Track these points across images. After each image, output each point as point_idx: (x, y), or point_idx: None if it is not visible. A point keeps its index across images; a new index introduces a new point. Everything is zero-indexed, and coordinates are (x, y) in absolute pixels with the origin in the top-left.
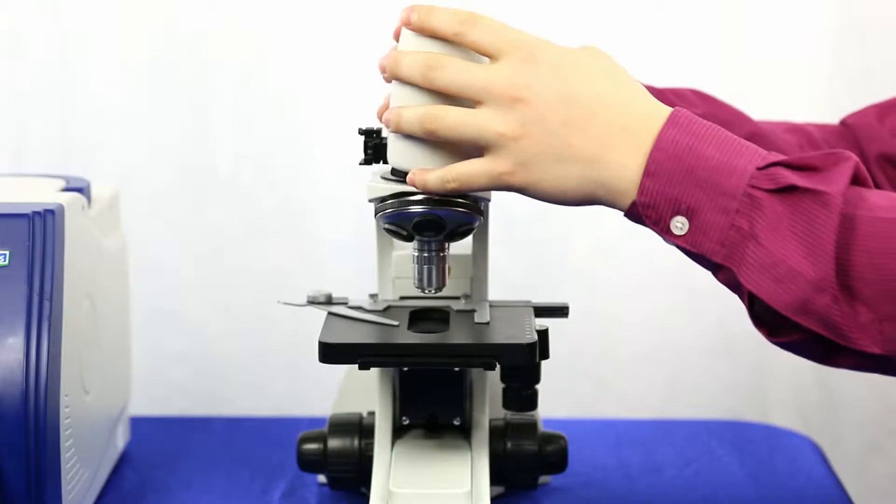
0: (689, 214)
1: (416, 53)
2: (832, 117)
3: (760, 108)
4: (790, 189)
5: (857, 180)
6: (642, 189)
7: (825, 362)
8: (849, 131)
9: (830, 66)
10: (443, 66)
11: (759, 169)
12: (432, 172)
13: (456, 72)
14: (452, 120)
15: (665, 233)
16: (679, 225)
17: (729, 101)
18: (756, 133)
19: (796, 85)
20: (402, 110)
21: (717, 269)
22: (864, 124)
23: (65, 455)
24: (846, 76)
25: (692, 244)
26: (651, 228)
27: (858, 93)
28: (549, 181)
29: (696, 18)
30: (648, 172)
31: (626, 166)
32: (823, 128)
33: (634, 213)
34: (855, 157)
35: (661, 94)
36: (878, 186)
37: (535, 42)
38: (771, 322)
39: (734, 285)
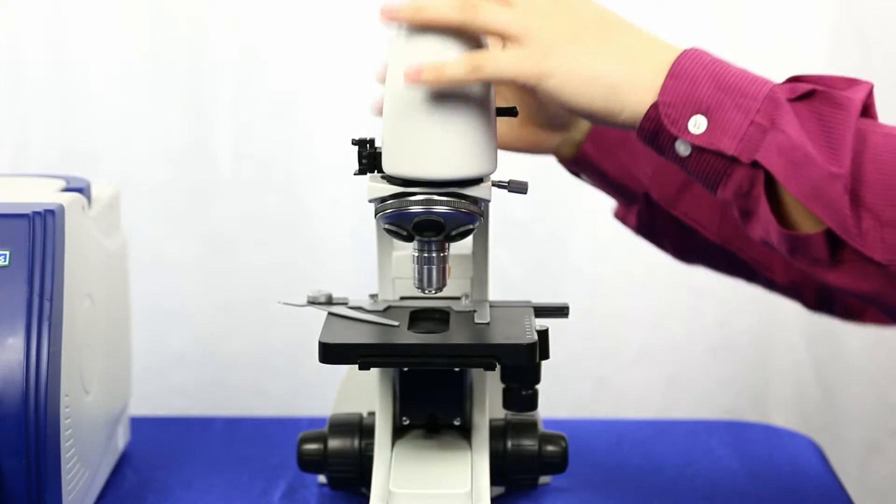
0: (708, 114)
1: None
2: None
3: None
4: (810, 94)
5: (867, 110)
6: (664, 89)
7: (829, 273)
8: None
9: (830, 66)
10: (475, 7)
11: (780, 84)
12: (451, 63)
13: (491, 10)
14: (503, 60)
15: (681, 132)
16: (697, 124)
17: None
18: None
19: None
20: (445, 63)
21: (727, 175)
22: None
23: (65, 455)
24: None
25: (709, 142)
26: (667, 130)
27: None
28: (580, 71)
29: (695, 18)
30: (673, 74)
31: (651, 70)
32: None
33: (652, 117)
34: (871, 83)
35: None
36: None
37: None
38: (783, 216)
39: (744, 193)
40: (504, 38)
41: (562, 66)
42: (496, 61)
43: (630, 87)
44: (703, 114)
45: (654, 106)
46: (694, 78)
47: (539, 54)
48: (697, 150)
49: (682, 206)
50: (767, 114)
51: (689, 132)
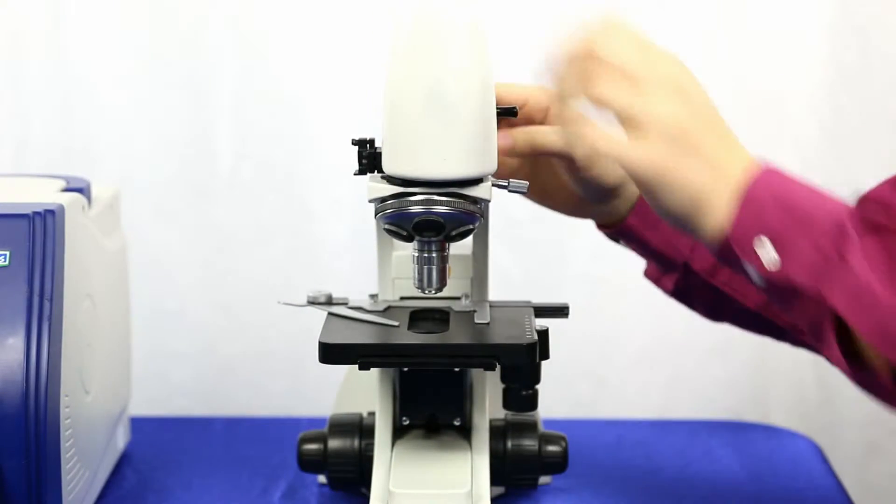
0: (778, 243)
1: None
2: (832, 117)
3: (760, 108)
4: (879, 228)
5: None
6: (737, 222)
7: (894, 405)
8: (885, 207)
9: (830, 66)
10: (594, 79)
11: (850, 210)
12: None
13: (612, 87)
14: (629, 151)
15: (752, 260)
16: (767, 251)
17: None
18: None
19: (796, 84)
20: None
21: (796, 305)
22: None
23: (65, 455)
24: (846, 76)
25: (782, 274)
26: (739, 258)
27: (858, 92)
28: (677, 179)
29: (695, 18)
30: (745, 202)
31: (727, 189)
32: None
33: (724, 247)
34: None
35: None
36: None
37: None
38: (852, 358)
39: (815, 325)
40: (621, 119)
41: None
42: (620, 149)
43: (708, 210)
44: (772, 241)
45: (726, 238)
46: (762, 207)
47: (664, 152)
48: (766, 280)
49: (723, 276)
50: (836, 245)
51: (758, 259)
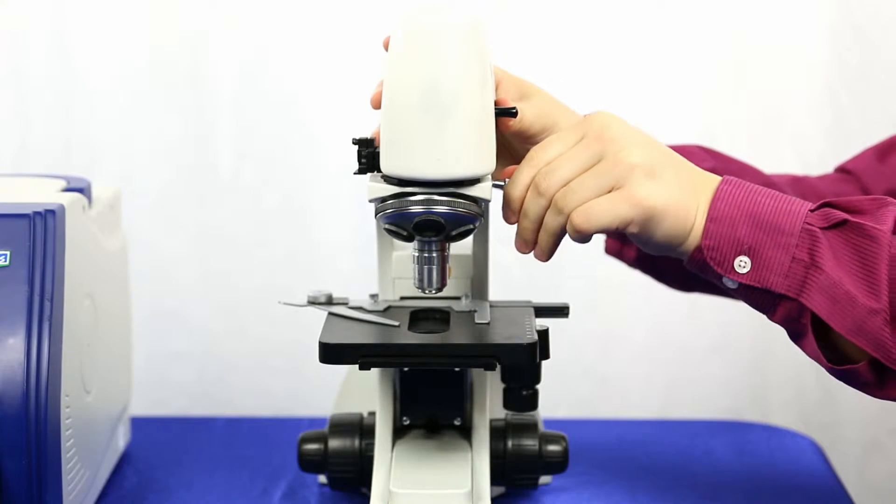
0: (750, 254)
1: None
2: (832, 117)
3: (760, 108)
4: (842, 223)
5: None
6: (706, 232)
7: (878, 392)
8: (851, 176)
9: (830, 66)
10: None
11: (812, 211)
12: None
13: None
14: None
15: (728, 272)
16: (742, 264)
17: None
18: (766, 184)
19: (796, 84)
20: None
21: (775, 306)
22: (866, 167)
23: (66, 455)
24: (846, 76)
25: (756, 280)
26: (714, 270)
27: (858, 93)
28: (660, 209)
29: (696, 19)
30: (711, 218)
31: (696, 212)
32: (824, 178)
33: (697, 258)
34: None
35: None
36: None
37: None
38: (830, 352)
39: (792, 319)
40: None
41: (654, 206)
42: (611, 208)
43: (687, 230)
44: (745, 254)
45: (699, 249)
46: (731, 220)
47: (648, 191)
48: (744, 286)
49: None
50: (807, 248)
51: (735, 271)
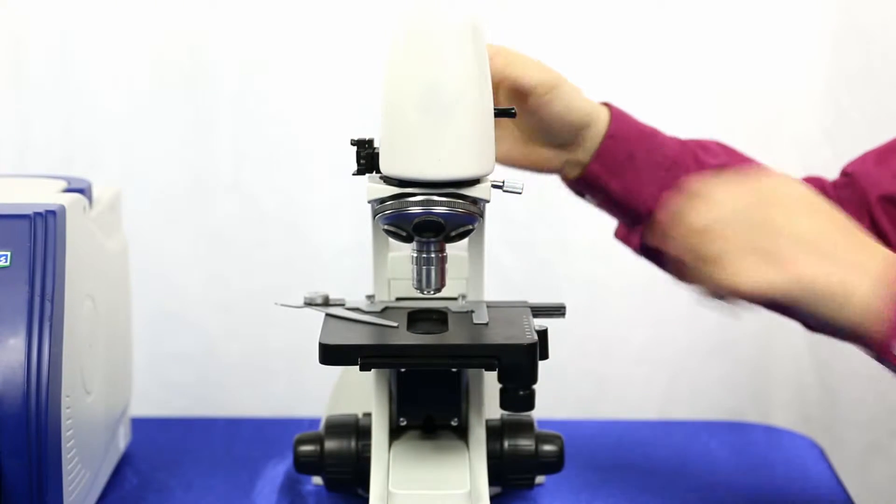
0: None
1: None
2: (832, 117)
3: (760, 108)
4: None
5: None
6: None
7: None
8: (851, 180)
9: (830, 66)
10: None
11: None
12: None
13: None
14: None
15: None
16: None
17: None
18: None
19: (798, 85)
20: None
21: None
22: (864, 171)
23: (66, 456)
24: (846, 76)
25: None
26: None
27: (858, 93)
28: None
29: (696, 19)
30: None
31: (865, 288)
32: (833, 182)
33: (871, 339)
34: None
35: (685, 146)
36: (881, 229)
37: None
38: None
39: None
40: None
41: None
42: (764, 278)
43: (848, 305)
44: None
45: (875, 334)
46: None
47: (802, 267)
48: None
49: None
50: None
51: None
